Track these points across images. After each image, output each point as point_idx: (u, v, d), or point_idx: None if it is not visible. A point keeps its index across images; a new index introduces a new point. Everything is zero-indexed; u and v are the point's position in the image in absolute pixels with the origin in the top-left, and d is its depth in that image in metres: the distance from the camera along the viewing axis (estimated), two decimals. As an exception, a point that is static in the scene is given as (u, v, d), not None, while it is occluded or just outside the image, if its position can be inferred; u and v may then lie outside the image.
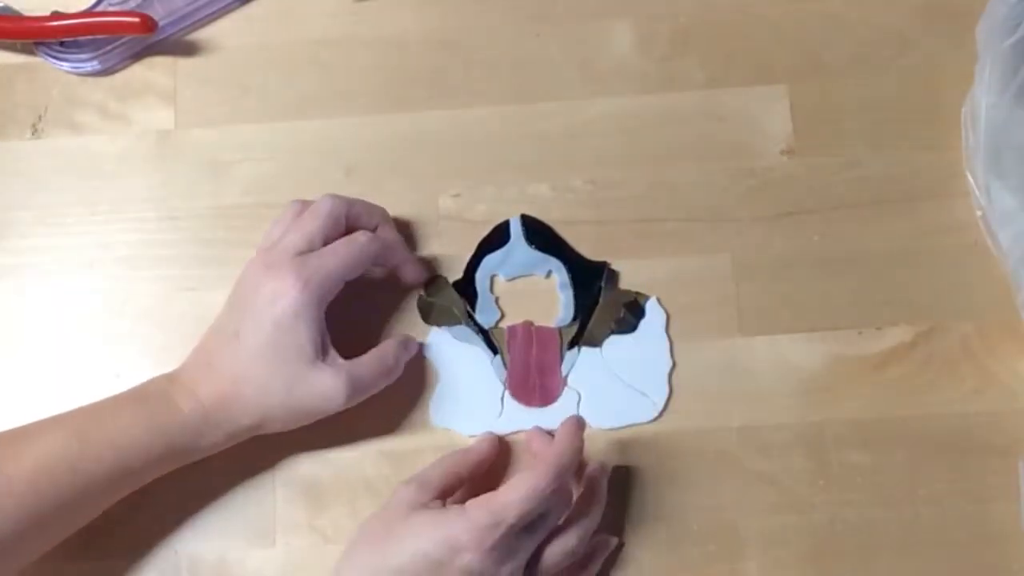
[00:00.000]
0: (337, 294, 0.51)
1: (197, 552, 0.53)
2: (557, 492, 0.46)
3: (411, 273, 0.55)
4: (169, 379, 0.51)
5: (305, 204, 0.53)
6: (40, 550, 0.49)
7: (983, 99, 0.54)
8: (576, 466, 0.47)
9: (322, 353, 0.50)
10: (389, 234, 0.54)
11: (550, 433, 0.52)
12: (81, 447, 0.47)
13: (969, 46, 0.56)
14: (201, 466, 0.53)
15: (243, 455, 0.54)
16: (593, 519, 0.49)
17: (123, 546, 0.53)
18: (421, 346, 0.55)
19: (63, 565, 0.53)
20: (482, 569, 0.45)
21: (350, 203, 0.53)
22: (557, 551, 0.48)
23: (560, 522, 0.48)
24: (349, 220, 0.53)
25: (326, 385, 0.49)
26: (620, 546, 0.52)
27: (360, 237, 0.52)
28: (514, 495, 0.45)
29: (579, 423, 0.48)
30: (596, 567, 0.51)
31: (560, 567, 0.48)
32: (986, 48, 0.54)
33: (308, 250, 0.51)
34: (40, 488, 0.46)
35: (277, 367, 0.49)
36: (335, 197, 0.53)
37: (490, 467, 0.52)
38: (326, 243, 0.51)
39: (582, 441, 0.48)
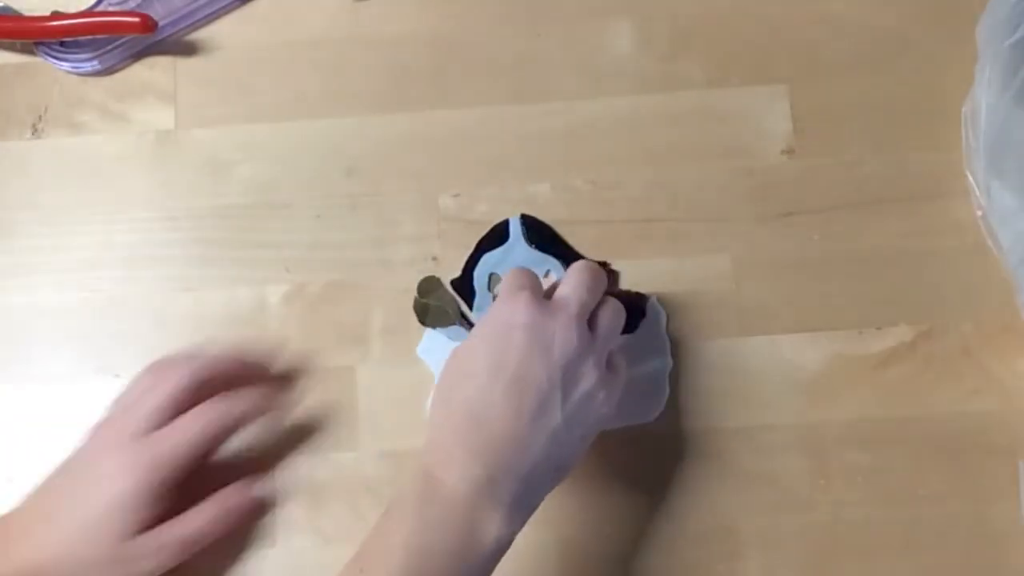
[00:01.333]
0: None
1: (197, 552, 0.53)
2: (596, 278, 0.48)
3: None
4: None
5: (164, 369, 0.51)
6: None
7: (983, 99, 0.54)
8: None
9: (146, 529, 0.48)
10: (255, 399, 0.51)
11: None
12: None
13: (969, 46, 0.56)
14: (201, 466, 0.53)
15: (243, 455, 0.54)
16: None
17: (123, 546, 0.53)
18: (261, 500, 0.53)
19: (63, 565, 0.53)
20: (571, 340, 0.45)
21: (213, 366, 0.51)
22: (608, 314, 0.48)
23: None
24: (217, 381, 0.51)
25: (137, 558, 0.48)
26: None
27: (210, 411, 0.49)
28: (569, 283, 0.47)
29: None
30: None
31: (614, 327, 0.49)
32: (986, 48, 0.54)
33: (156, 426, 0.49)
34: None
35: (97, 546, 0.47)
36: (193, 365, 0.50)
37: None
38: (180, 412, 0.50)
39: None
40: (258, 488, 0.53)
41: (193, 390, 0.50)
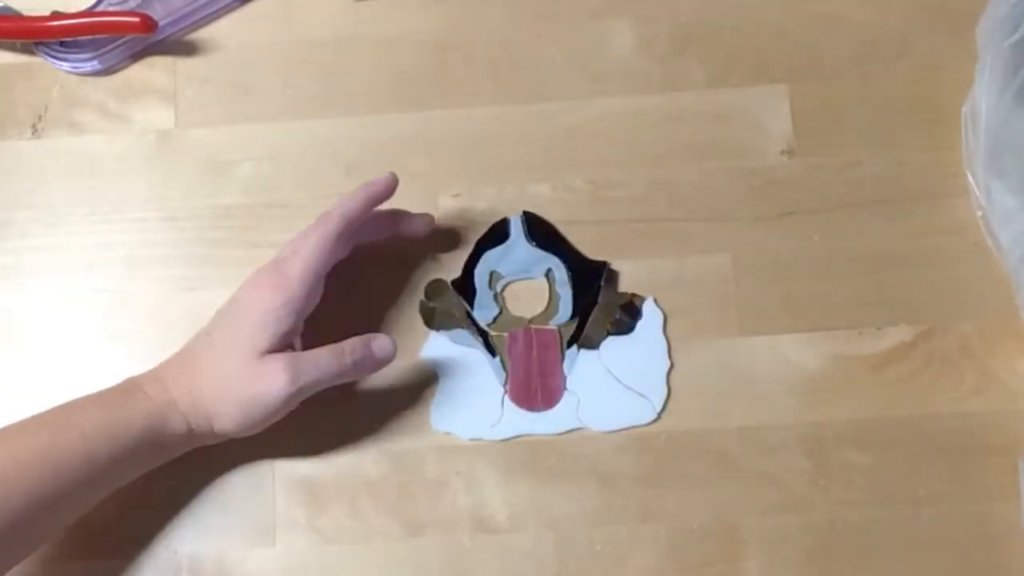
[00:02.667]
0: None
1: (197, 552, 0.53)
2: None
3: (414, 225, 0.56)
4: (142, 374, 0.52)
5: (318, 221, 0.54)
6: (15, 552, 0.49)
7: (983, 99, 0.54)
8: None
9: (278, 345, 0.50)
10: (353, 203, 0.52)
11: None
12: (51, 437, 0.48)
13: (969, 46, 0.56)
14: (201, 466, 0.53)
15: (243, 455, 0.54)
16: None
17: (123, 546, 0.53)
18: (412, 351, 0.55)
19: (62, 564, 0.53)
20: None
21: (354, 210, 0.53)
22: None
23: None
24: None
25: (268, 373, 0.50)
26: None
27: (322, 222, 0.52)
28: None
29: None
30: None
31: None
32: (986, 48, 0.54)
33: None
34: (8, 479, 0.46)
35: (232, 357, 0.50)
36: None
37: None
38: None
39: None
40: (380, 341, 0.53)
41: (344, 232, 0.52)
